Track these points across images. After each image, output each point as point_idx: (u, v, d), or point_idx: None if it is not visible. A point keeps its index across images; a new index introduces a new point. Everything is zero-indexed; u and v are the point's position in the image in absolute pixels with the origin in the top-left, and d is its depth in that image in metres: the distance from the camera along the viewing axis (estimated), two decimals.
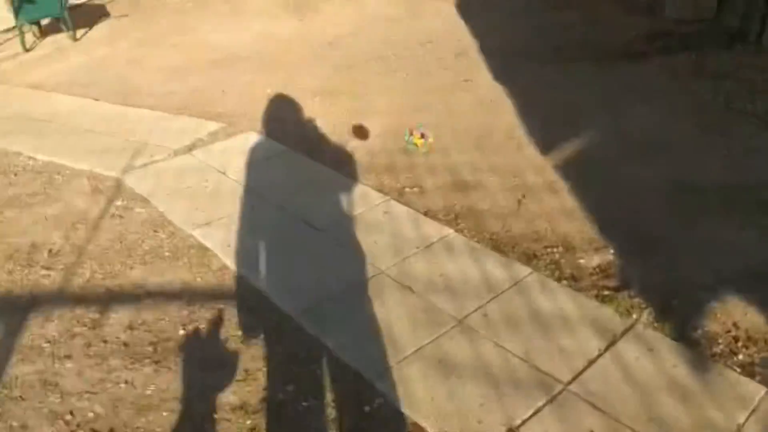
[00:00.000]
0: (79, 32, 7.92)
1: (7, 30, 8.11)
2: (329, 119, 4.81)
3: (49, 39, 7.84)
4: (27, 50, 7.36)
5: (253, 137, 4.52)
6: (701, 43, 5.88)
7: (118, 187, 3.91)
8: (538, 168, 3.86)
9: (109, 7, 9.54)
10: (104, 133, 4.71)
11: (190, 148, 4.38)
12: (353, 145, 4.35)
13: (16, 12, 7.16)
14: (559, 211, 3.36)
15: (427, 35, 6.94)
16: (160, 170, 4.08)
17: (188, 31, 7.82)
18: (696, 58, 5.57)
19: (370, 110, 4.95)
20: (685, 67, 5.38)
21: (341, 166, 4.06)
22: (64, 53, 7.25)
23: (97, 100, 5.50)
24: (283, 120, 4.84)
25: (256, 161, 4.13)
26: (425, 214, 3.40)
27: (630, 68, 5.52)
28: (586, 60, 5.80)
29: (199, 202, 3.64)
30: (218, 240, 3.25)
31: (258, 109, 5.07)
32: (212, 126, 4.73)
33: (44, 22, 7.87)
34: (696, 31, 6.26)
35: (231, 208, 3.55)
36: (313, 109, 5.05)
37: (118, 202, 3.72)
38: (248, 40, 7.25)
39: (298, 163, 4.10)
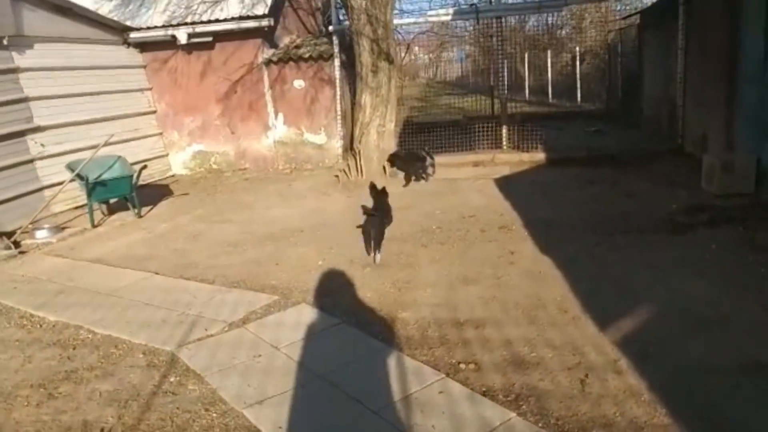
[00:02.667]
0: (143, 209, 8.56)
1: (77, 207, 8.84)
2: (379, 291, 4.88)
3: (115, 216, 8.47)
4: (94, 226, 7.92)
5: (305, 310, 4.59)
6: (746, 217, 5.95)
7: (172, 361, 3.93)
8: (597, 344, 3.74)
9: (172, 187, 10.41)
10: (162, 307, 4.86)
11: (244, 321, 4.45)
12: (404, 317, 4.36)
13: (89, 193, 7.85)
14: (626, 393, 3.19)
15: (469, 209, 7.24)
16: (214, 344, 4.11)
17: (244, 208, 8.36)
18: (744, 231, 5.60)
19: (419, 281, 5.03)
20: (735, 241, 5.39)
21: (392, 339, 4.03)
22: (127, 229, 7.77)
23: (156, 273, 5.77)
24: (335, 292, 4.93)
25: (308, 335, 4.14)
26: (483, 394, 3.27)
27: (676, 240, 5.56)
28: (630, 233, 5.89)
29: (252, 378, 3.60)
30: (270, 421, 3.15)
31: (310, 281, 5.21)
32: (266, 299, 4.84)
33: (112, 200, 8.57)
34: (738, 205, 6.37)
35: (283, 385, 3.49)
36: (363, 280, 5.15)
37: (172, 378, 3.71)
38: (301, 214, 7.69)
39: (349, 337, 4.08)
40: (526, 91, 21.89)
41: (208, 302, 4.87)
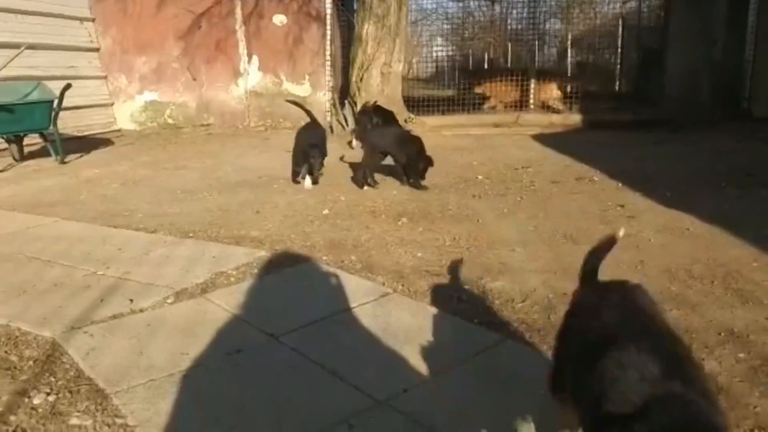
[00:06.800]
0: (71, 156, 6.36)
1: None
2: (434, 248, 2.92)
3: (31, 161, 6.23)
4: None
5: (318, 270, 2.57)
6: None
7: (51, 358, 1.87)
8: None
9: (115, 141, 8.17)
10: (58, 263, 2.76)
11: (204, 289, 2.40)
12: (497, 287, 2.39)
13: None
14: None
15: (517, 161, 5.34)
16: (141, 327, 2.06)
17: (208, 156, 6.25)
18: None
19: (493, 238, 3.08)
20: None
21: (498, 322, 2.07)
22: (41, 173, 5.57)
23: (64, 220, 3.65)
24: (361, 248, 2.93)
25: (336, 311, 2.13)
26: None
27: None
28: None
29: (214, 406, 1.58)
30: None
31: (316, 233, 3.20)
32: (244, 255, 2.80)
33: (27, 140, 6.34)
34: None
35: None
36: (402, 233, 3.18)
37: (38, 399, 1.65)
38: (287, 162, 5.63)
39: (421, 316, 2.09)
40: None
41: (142, 257, 2.80)
